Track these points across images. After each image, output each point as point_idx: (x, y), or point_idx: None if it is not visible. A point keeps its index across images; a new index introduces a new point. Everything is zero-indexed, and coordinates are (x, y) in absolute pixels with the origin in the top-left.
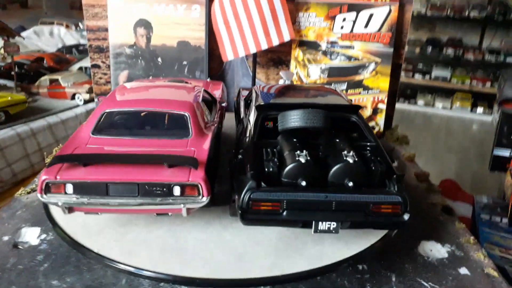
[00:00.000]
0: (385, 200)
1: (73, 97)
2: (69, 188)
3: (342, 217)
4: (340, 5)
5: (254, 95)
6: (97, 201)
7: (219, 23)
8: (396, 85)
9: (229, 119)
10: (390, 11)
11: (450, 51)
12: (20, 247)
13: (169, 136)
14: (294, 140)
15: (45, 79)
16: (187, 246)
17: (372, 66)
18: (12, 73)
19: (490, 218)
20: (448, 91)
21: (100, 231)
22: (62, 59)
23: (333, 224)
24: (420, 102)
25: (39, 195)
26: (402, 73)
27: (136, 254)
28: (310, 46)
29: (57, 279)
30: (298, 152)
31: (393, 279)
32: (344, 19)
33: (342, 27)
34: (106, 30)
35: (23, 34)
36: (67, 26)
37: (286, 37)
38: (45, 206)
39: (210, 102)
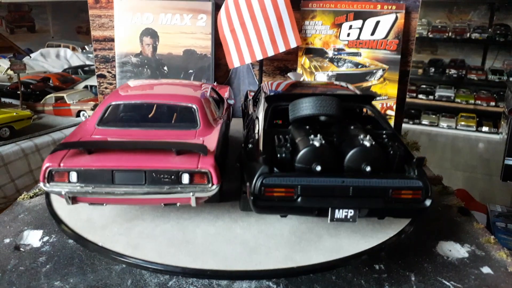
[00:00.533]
0: (405, 185)
1: (78, 114)
2: (73, 176)
3: (360, 203)
4: (346, 13)
5: (263, 91)
6: (102, 190)
7: (225, 30)
8: (404, 92)
9: (236, 124)
10: (396, 18)
11: (453, 72)
12: (21, 249)
13: (177, 128)
14: (307, 127)
15: (50, 97)
16: (195, 239)
17: (379, 72)
18: (18, 92)
19: (506, 226)
20: (453, 110)
21: (105, 226)
22: (68, 79)
23: (351, 212)
24: (425, 121)
25: (41, 184)
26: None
27: (142, 248)
28: (316, 53)
29: (59, 280)
30: (312, 136)
31: (413, 278)
32: (350, 27)
33: (348, 35)
34: (112, 40)
35: (32, 55)
36: (73, 49)
37: (293, 44)
38: (49, 203)
39: (217, 100)
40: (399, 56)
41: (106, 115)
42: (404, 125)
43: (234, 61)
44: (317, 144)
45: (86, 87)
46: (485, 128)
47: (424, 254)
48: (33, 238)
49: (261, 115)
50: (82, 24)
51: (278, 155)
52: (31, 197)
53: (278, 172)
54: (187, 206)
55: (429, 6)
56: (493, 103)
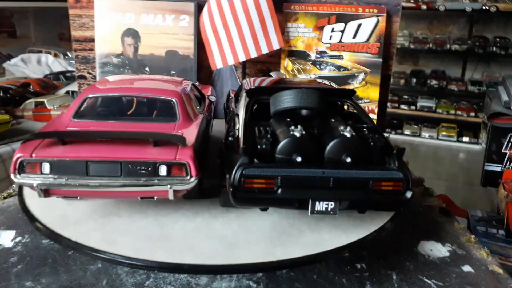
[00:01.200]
0: (385, 176)
1: None
2: (46, 167)
3: (340, 195)
4: (328, 15)
5: (244, 87)
6: (76, 182)
7: (208, 31)
8: (386, 96)
9: (218, 125)
10: (378, 21)
11: (434, 83)
12: None
13: (155, 121)
14: (288, 119)
15: (30, 102)
16: (173, 234)
17: (361, 76)
18: None
19: (486, 230)
20: (434, 120)
21: (79, 221)
22: (49, 85)
23: (331, 204)
24: (407, 131)
25: (12, 176)
26: (388, 104)
27: (117, 243)
28: (299, 56)
29: (31, 280)
30: (293, 127)
31: (394, 277)
32: (332, 30)
33: (330, 37)
34: (93, 40)
35: (11, 62)
36: (55, 55)
37: (276, 46)
38: (21, 200)
39: (198, 97)
40: (381, 60)
41: (82, 108)
42: (386, 135)
43: (216, 62)
44: (297, 134)
45: (67, 92)
46: (465, 138)
47: (406, 253)
48: (5, 238)
49: (242, 109)
50: (64, 31)
51: (259, 146)
52: (4, 198)
53: (258, 163)
54: (165, 202)
55: (410, 18)
56: (473, 114)
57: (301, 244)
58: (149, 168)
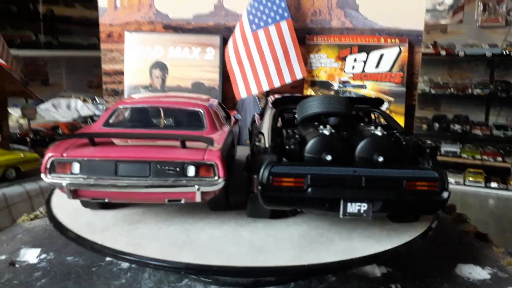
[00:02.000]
0: (420, 175)
1: None
2: (76, 167)
3: (373, 195)
4: (350, 46)
5: (269, 102)
6: (104, 182)
7: (233, 62)
8: (411, 125)
9: (241, 151)
10: (400, 51)
11: (457, 127)
12: (17, 265)
13: (183, 129)
14: (315, 123)
15: None
16: (200, 240)
17: (385, 105)
18: (27, 139)
19: None
20: (459, 166)
21: (106, 228)
22: (77, 127)
23: (364, 206)
24: None
25: (42, 175)
26: None
27: (143, 247)
28: (322, 86)
29: None
30: (321, 127)
31: None
32: (355, 60)
33: (353, 67)
34: (122, 73)
35: (42, 106)
36: (84, 100)
37: (299, 75)
38: (49, 209)
39: (224, 113)
40: (404, 89)
41: (112, 117)
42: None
43: (241, 92)
44: (327, 133)
45: None
46: (494, 184)
47: (443, 276)
48: (30, 255)
49: (268, 118)
50: (93, 79)
51: (287, 147)
52: (31, 219)
53: (286, 161)
54: (191, 211)
55: (430, 63)
56: (500, 159)
57: (332, 252)
58: (177, 169)
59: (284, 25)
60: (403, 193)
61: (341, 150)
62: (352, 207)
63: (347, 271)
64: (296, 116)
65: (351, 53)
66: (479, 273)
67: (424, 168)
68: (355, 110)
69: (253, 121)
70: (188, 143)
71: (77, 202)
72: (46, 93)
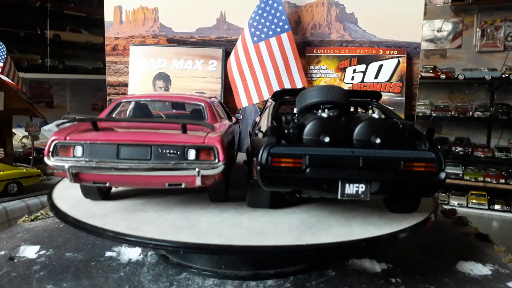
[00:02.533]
0: (417, 156)
1: None
2: (78, 150)
3: (371, 175)
4: (349, 57)
5: (269, 102)
6: (106, 165)
7: (234, 72)
8: None
9: (241, 156)
10: (398, 62)
11: (459, 149)
12: (16, 260)
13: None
14: (314, 111)
15: None
16: (199, 225)
17: None
18: (30, 157)
19: None
20: (462, 188)
21: (106, 215)
22: None
23: (362, 187)
24: None
25: (45, 158)
26: None
27: (142, 230)
28: None
29: (52, 284)
30: (320, 111)
31: None
32: (354, 71)
33: (353, 78)
34: (126, 85)
35: (46, 127)
36: None
37: (299, 85)
38: (49, 196)
39: (225, 111)
40: (403, 99)
41: (116, 110)
42: None
43: (242, 101)
44: (325, 115)
45: None
46: (497, 206)
47: (444, 271)
48: (29, 252)
49: (268, 110)
50: (97, 102)
51: (286, 131)
52: (32, 220)
53: (285, 143)
54: (192, 200)
55: (430, 88)
56: (503, 181)
57: (331, 235)
58: (178, 152)
59: (284, 37)
60: (401, 174)
61: (339, 132)
62: (350, 188)
63: (346, 265)
64: (295, 108)
65: (350, 64)
66: (480, 269)
67: (421, 149)
68: (353, 103)
69: (254, 124)
70: (189, 131)
71: (78, 194)
72: (51, 115)
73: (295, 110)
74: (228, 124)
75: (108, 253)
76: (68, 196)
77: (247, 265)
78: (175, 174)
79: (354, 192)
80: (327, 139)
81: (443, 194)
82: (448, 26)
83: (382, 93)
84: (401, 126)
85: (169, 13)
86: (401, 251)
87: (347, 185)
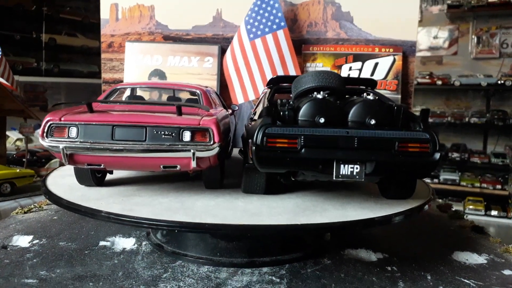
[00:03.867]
0: (411, 137)
1: None
2: (73, 131)
3: (365, 155)
4: (345, 55)
5: (264, 90)
6: (100, 145)
7: (231, 69)
8: None
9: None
10: (394, 60)
11: (455, 155)
12: (9, 249)
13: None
14: (309, 95)
15: (55, 161)
16: (194, 207)
17: None
18: (23, 159)
19: None
20: (459, 194)
21: (100, 199)
22: None
23: (356, 168)
24: None
25: (40, 139)
26: None
27: (137, 211)
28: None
29: (45, 270)
30: (315, 93)
31: (429, 277)
32: (350, 68)
33: (349, 75)
34: (121, 81)
35: (39, 130)
36: None
37: None
38: (43, 182)
39: (221, 101)
40: (399, 96)
41: (111, 97)
42: None
43: (238, 98)
44: (320, 96)
45: None
46: (494, 212)
47: (439, 260)
48: (23, 241)
49: (264, 97)
50: None
51: (281, 113)
52: (25, 212)
53: (280, 124)
54: (187, 187)
55: (426, 93)
56: (499, 186)
57: (326, 217)
58: (173, 134)
59: (281, 34)
60: (395, 154)
61: (334, 113)
62: (345, 169)
63: (342, 254)
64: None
65: (346, 62)
66: (475, 259)
67: (415, 130)
68: (348, 91)
69: (250, 118)
70: (184, 116)
71: (72, 181)
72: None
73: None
74: (224, 112)
75: (102, 243)
76: (62, 183)
77: (242, 252)
78: (170, 156)
79: (349, 172)
80: (322, 120)
81: (440, 200)
82: (444, 33)
83: (378, 91)
84: (395, 108)
85: (165, 11)
86: (397, 242)
87: (342, 165)
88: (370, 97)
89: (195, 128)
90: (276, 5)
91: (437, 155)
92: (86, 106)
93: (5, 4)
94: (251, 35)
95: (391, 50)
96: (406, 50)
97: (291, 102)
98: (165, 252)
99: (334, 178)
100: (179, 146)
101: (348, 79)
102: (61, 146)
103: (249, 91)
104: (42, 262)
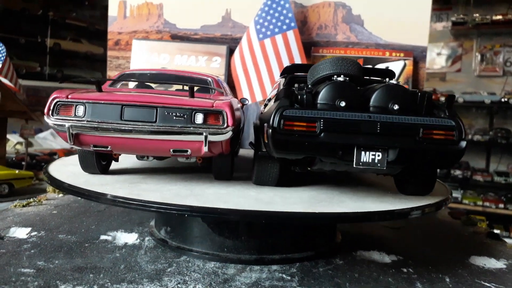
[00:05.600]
0: (437, 123)
1: None
2: (80, 110)
3: (388, 141)
4: (355, 59)
5: (278, 80)
6: (108, 125)
7: (238, 70)
8: None
9: (244, 152)
10: (405, 65)
11: (458, 173)
12: (6, 240)
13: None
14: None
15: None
16: (205, 194)
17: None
18: (23, 163)
19: None
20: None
21: (105, 184)
22: (74, 154)
23: (378, 155)
24: None
25: (45, 117)
26: None
27: (145, 196)
28: None
29: (43, 260)
30: (335, 77)
31: (447, 279)
32: None
33: None
34: None
35: (41, 135)
36: None
37: None
38: (46, 169)
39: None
40: None
41: (118, 79)
42: None
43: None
44: (341, 79)
45: None
46: (496, 231)
47: (457, 264)
48: (20, 232)
49: (277, 86)
50: None
51: (299, 97)
52: (23, 206)
53: (299, 106)
54: (196, 177)
55: None
56: (502, 205)
57: (344, 207)
58: (185, 115)
59: (290, 34)
60: (419, 141)
61: (355, 97)
62: (366, 156)
63: (354, 255)
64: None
65: None
66: (493, 264)
67: (441, 117)
68: (367, 81)
69: (264, 105)
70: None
71: (75, 169)
72: (46, 123)
73: None
74: (236, 100)
75: (103, 237)
76: (64, 170)
77: (251, 249)
78: (181, 139)
79: (370, 160)
80: (343, 104)
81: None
82: (448, 50)
83: None
84: (419, 94)
85: (174, 10)
86: (410, 246)
87: (363, 152)
88: (393, 81)
89: (208, 110)
90: (287, 5)
91: (463, 144)
92: (95, 85)
93: (11, 8)
94: (261, 35)
95: (402, 54)
96: (416, 55)
97: (309, 86)
98: (170, 247)
99: (354, 166)
100: (191, 128)
101: (366, 69)
102: (67, 125)
103: (257, 91)
104: (40, 253)
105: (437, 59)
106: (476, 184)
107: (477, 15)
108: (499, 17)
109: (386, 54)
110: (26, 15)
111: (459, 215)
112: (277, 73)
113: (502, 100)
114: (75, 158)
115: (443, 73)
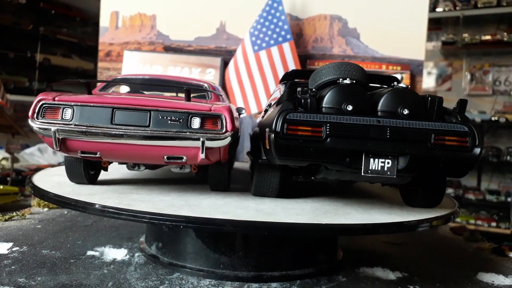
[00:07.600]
0: (449, 129)
1: None
2: (68, 113)
3: (398, 148)
4: None
5: (277, 87)
6: (98, 130)
7: (233, 82)
8: None
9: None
10: (401, 78)
11: (450, 191)
12: None
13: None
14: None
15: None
16: (201, 205)
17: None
18: (8, 178)
19: None
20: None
21: (93, 194)
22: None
23: (388, 163)
24: None
25: (30, 121)
26: None
27: (137, 206)
28: None
29: (24, 277)
30: (341, 80)
31: None
32: None
33: None
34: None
35: (27, 150)
36: None
37: None
38: (29, 179)
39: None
40: None
41: (110, 84)
42: None
43: None
44: (347, 81)
45: None
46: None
47: (465, 281)
48: (1, 248)
49: (279, 91)
50: None
51: (302, 101)
52: (5, 220)
53: (303, 110)
54: (190, 188)
55: None
56: (494, 224)
57: (350, 219)
58: (181, 119)
59: (286, 46)
60: (431, 148)
61: (362, 101)
62: (375, 164)
63: (357, 272)
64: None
65: None
66: (502, 280)
67: (453, 122)
68: (371, 88)
69: (264, 111)
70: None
71: (61, 179)
72: (34, 139)
73: None
74: (233, 106)
75: (90, 252)
76: (50, 180)
77: (249, 265)
78: (176, 145)
79: (379, 168)
80: (350, 108)
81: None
82: (438, 69)
83: None
84: (429, 98)
85: (167, 21)
86: (414, 262)
87: (371, 159)
88: (402, 85)
89: (206, 114)
90: (283, 17)
91: (477, 151)
92: (85, 86)
93: (2, 23)
94: (256, 47)
95: (399, 68)
96: (413, 69)
97: (313, 89)
98: (161, 264)
99: (362, 174)
100: (187, 133)
101: (371, 76)
102: (53, 128)
103: (252, 104)
104: (21, 269)
105: (427, 78)
106: (468, 202)
107: (467, 35)
108: (488, 37)
109: (382, 67)
110: (16, 30)
111: (461, 230)
112: (272, 85)
113: (492, 118)
114: (61, 169)
115: (433, 92)
